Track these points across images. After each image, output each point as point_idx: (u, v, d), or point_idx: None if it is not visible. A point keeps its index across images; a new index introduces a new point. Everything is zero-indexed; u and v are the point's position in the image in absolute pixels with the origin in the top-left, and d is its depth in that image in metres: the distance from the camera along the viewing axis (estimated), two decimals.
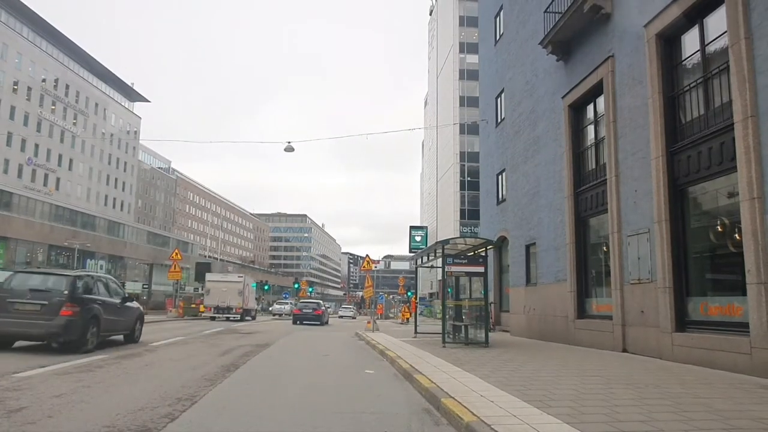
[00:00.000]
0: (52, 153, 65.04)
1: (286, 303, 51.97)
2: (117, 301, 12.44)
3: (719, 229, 9.20)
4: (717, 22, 8.93)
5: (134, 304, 13.75)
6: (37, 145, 62.17)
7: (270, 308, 52.64)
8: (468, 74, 63.77)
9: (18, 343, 10.94)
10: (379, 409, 6.01)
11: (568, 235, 14.00)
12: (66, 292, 10.55)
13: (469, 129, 60.32)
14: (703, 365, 8.57)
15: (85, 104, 71.71)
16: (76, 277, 11.07)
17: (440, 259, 14.12)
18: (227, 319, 33.98)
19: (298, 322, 32.42)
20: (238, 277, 38.96)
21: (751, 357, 7.70)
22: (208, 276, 38.06)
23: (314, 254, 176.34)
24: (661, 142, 10.10)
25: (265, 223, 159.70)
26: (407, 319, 35.48)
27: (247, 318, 36.45)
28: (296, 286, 61.53)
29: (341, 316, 55.96)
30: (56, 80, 66.16)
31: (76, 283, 10.84)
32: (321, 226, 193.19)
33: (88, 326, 10.71)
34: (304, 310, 33.38)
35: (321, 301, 38.35)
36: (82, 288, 10.99)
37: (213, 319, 33.55)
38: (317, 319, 32.76)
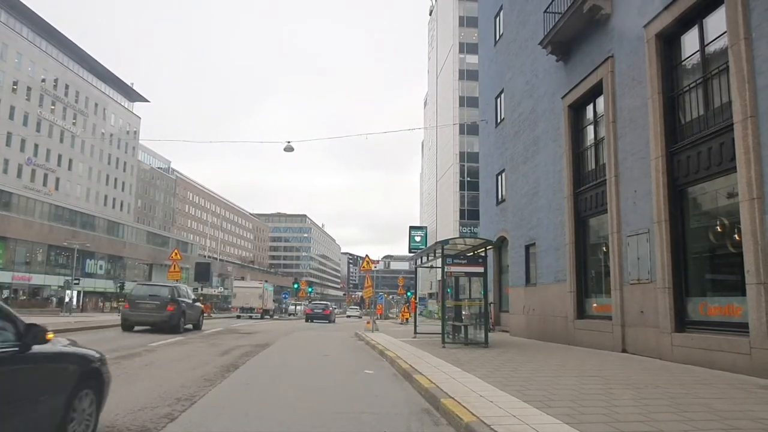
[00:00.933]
0: (52, 153, 65.01)
1: (300, 304, 60.21)
2: (190, 301, 19.35)
3: (719, 230, 9.20)
4: (716, 22, 8.93)
5: (198, 304, 20.67)
6: (36, 145, 62.14)
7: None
8: (468, 74, 63.77)
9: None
10: (379, 409, 6.02)
11: (567, 236, 14.00)
12: (169, 296, 17.41)
13: (468, 129, 60.32)
14: (703, 365, 8.57)
15: (85, 104, 71.68)
16: (173, 287, 18.47)
17: (440, 259, 14.12)
18: (250, 317, 40.87)
19: (310, 320, 37.01)
20: (259, 283, 47.08)
21: (750, 357, 7.70)
22: (236, 283, 50.26)
23: (314, 254, 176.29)
24: (660, 142, 10.10)
25: (265, 223, 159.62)
26: (407, 319, 35.51)
27: (266, 317, 43.09)
28: (296, 286, 61.49)
29: (349, 316, 63.49)
30: (56, 80, 66.13)
31: (173, 290, 17.86)
32: (321, 226, 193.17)
33: (180, 317, 17.40)
34: (315, 310, 39.10)
35: (329, 303, 45.04)
36: (176, 294, 17.84)
37: (239, 317, 40.07)
38: (326, 318, 37.91)
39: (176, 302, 17.18)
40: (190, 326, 18.82)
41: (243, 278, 57.68)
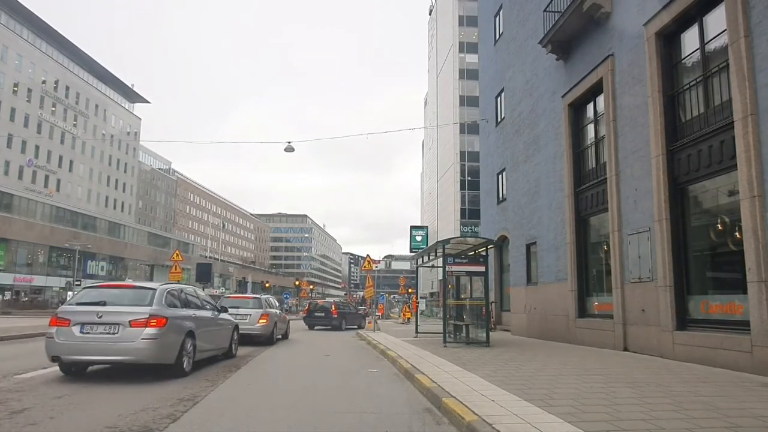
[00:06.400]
0: (53, 154, 65.05)
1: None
2: (351, 310, 28.92)
3: (719, 228, 9.20)
4: (716, 20, 8.92)
5: (359, 311, 29.05)
6: (37, 147, 62.16)
7: None
8: (468, 74, 63.74)
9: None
10: (380, 408, 6.02)
11: (568, 235, 14.00)
12: (333, 308, 25.73)
13: (469, 128, 60.30)
14: (704, 363, 8.57)
15: (85, 105, 71.72)
16: (339, 302, 26.34)
17: (441, 258, 14.12)
18: None
19: None
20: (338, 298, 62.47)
21: (752, 355, 7.70)
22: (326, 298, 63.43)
23: (315, 254, 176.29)
24: (661, 140, 10.10)
25: (266, 223, 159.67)
26: (408, 318, 35.57)
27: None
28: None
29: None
30: (56, 82, 66.15)
31: (338, 304, 26.72)
32: (322, 226, 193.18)
33: (342, 320, 25.24)
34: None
35: (365, 307, 63.28)
36: (340, 306, 27.52)
37: None
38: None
39: (340, 312, 25.37)
40: (350, 327, 25.34)
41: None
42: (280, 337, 16.73)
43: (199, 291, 10.80)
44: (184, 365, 8.30)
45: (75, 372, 8.07)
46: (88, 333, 7.62)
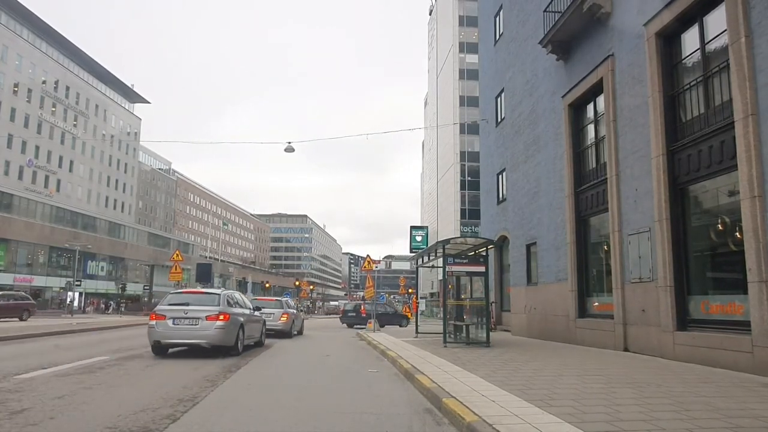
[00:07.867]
0: (53, 155, 65.04)
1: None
2: (387, 310, 30.92)
3: (720, 228, 9.19)
4: (717, 20, 8.92)
5: (393, 310, 32.95)
6: (37, 147, 62.13)
7: None
8: (468, 74, 63.78)
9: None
10: (381, 409, 6.01)
11: (568, 235, 14.00)
12: (362, 306, 30.12)
13: (469, 129, 60.33)
14: (705, 364, 8.56)
15: (86, 106, 71.72)
16: (362, 303, 29.67)
17: (441, 259, 14.12)
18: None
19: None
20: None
21: (752, 355, 7.69)
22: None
23: (315, 254, 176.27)
24: (661, 140, 10.10)
25: (266, 223, 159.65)
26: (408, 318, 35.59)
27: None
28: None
29: None
30: (56, 82, 66.14)
31: (362, 304, 30.32)
32: (322, 226, 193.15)
33: (369, 317, 23.45)
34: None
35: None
36: (365, 306, 28.93)
37: None
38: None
39: (366, 311, 27.92)
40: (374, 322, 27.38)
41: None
42: (296, 333, 19.40)
43: (243, 295, 14.21)
44: (239, 347, 11.52)
45: (161, 354, 11.04)
46: (178, 324, 10.79)
